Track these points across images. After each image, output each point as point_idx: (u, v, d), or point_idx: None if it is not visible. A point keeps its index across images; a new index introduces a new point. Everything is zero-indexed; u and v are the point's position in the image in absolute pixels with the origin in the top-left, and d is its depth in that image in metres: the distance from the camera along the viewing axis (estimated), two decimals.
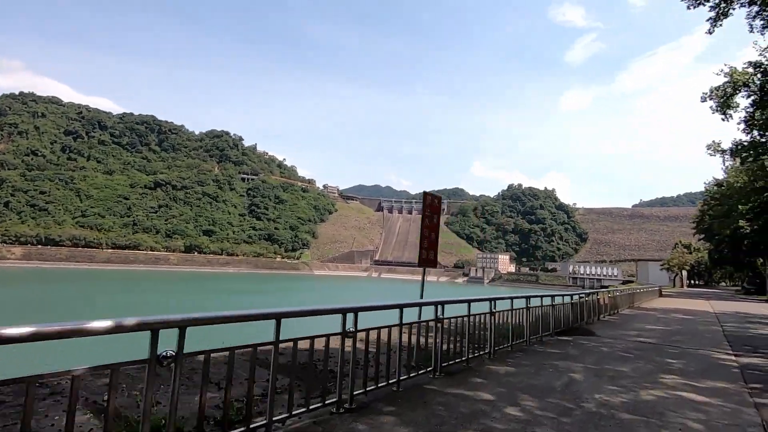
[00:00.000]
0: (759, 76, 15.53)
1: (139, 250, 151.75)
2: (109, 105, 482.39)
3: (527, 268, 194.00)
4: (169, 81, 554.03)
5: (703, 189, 46.74)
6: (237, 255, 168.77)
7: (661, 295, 35.63)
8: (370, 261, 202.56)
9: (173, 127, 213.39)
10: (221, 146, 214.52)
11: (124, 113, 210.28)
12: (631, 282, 64.52)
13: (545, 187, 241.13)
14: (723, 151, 19.74)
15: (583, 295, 14.14)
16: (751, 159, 18.68)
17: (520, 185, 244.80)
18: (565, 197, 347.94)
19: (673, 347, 9.73)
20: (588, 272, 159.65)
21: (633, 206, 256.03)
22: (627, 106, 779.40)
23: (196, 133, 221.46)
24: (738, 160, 20.88)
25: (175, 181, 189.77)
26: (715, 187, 38.33)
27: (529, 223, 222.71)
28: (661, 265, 55.61)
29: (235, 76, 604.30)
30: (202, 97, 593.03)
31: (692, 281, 78.52)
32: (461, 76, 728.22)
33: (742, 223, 30.68)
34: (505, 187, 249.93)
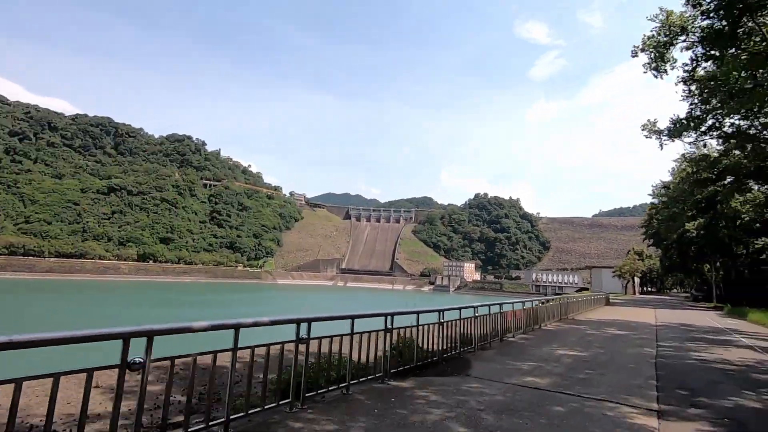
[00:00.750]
0: (701, 18, 12.60)
1: (87, 258, 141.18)
2: (65, 107, 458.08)
3: (492, 276, 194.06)
4: (132, 84, 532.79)
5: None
6: (195, 264, 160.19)
7: (607, 303, 33.32)
8: (336, 269, 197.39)
9: (131, 130, 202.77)
10: (182, 151, 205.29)
11: (77, 114, 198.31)
12: (587, 289, 62.99)
13: (510, 197, 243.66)
14: (660, 132, 17.15)
15: (494, 308, 10.77)
16: (692, 137, 16.16)
17: (486, 194, 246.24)
18: (529, 206, 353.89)
19: (569, 397, 6.32)
20: (550, 280, 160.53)
21: (593, 216, 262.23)
22: (588, 120, 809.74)
23: (156, 136, 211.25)
24: (684, 161, 18.64)
25: (130, 186, 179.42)
26: (663, 190, 36.79)
27: (494, 232, 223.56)
28: (613, 273, 54.09)
29: (201, 80, 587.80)
30: (165, 101, 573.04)
31: (645, 288, 78.15)
32: (431, 86, 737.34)
33: (688, 226, 28.86)
34: (472, 196, 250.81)
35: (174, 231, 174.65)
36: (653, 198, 40.02)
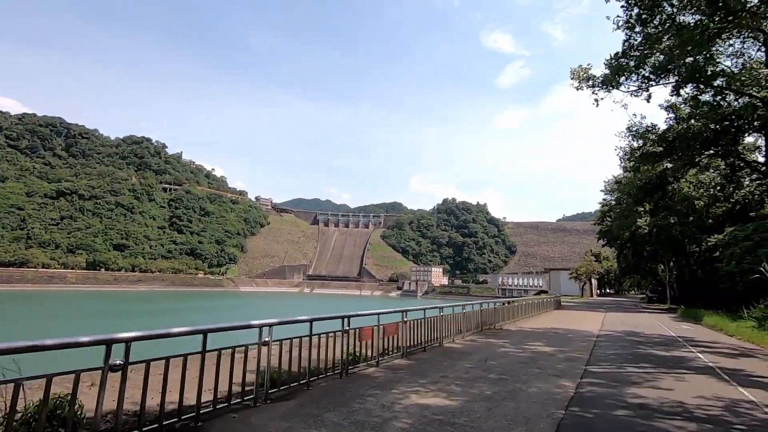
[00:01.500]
0: None
1: (29, 267, 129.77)
2: (14, 106, 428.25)
3: (460, 281, 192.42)
4: (89, 84, 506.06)
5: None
6: (152, 271, 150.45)
7: (558, 307, 30.17)
8: (302, 276, 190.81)
9: (84, 131, 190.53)
10: (141, 153, 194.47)
11: (24, 113, 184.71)
12: (546, 292, 60.54)
13: (477, 202, 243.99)
14: (593, 81, 13.82)
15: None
16: (634, 83, 12.97)
17: (454, 199, 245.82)
18: (496, 211, 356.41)
19: None
20: (515, 283, 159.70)
21: (557, 220, 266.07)
22: (551, 128, 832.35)
23: (112, 138, 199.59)
24: (629, 135, 15.50)
25: (82, 190, 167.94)
26: (615, 185, 34.33)
27: (462, 237, 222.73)
28: (570, 275, 51.84)
29: (166, 82, 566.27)
30: (128, 103, 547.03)
31: (603, 290, 76.89)
32: (400, 93, 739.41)
33: (640, 222, 26.18)
34: (441, 202, 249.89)
35: (129, 237, 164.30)
36: (605, 194, 37.72)
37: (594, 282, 60.34)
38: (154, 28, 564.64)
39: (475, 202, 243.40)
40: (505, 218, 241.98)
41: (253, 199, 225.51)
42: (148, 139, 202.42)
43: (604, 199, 38.16)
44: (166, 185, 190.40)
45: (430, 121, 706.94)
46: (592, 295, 56.01)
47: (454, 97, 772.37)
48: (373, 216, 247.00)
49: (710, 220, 25.22)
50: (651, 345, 12.85)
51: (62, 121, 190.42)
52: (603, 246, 35.86)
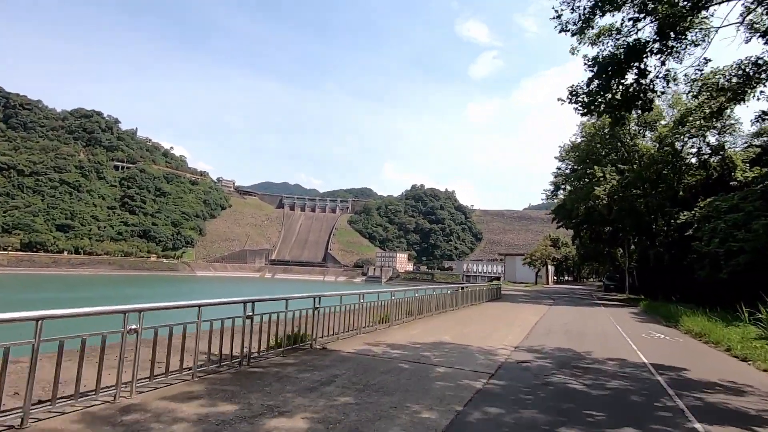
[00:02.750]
0: None
1: None
2: None
3: (425, 267, 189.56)
4: (37, 52, 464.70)
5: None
6: (98, 254, 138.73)
7: (496, 297, 24.73)
8: (265, 260, 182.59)
9: (25, 102, 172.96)
10: (90, 128, 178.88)
11: None
12: (498, 279, 56.33)
13: (446, 189, 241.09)
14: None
15: None
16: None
17: (422, 186, 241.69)
18: (465, 199, 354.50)
19: None
20: (480, 270, 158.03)
21: (523, 209, 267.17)
22: (521, 120, 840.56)
23: (59, 110, 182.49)
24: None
25: (21, 166, 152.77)
26: (571, 153, 29.26)
27: (429, 223, 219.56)
28: (523, 260, 47.46)
29: (128, 57, 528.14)
30: (83, 77, 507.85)
31: (560, 277, 73.98)
32: (373, 79, 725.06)
33: (597, 191, 21.39)
34: (409, 188, 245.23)
35: (75, 217, 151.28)
36: (560, 161, 31.81)
37: (551, 269, 56.54)
38: (120, 6, 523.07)
39: (443, 189, 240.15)
40: (472, 206, 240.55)
41: (216, 181, 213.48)
42: (99, 113, 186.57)
43: (557, 168, 32.05)
44: (118, 163, 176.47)
45: (404, 109, 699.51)
46: (548, 283, 52.15)
47: (428, 85, 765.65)
48: (341, 201, 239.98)
49: (681, 193, 20.85)
50: (600, 388, 6.98)
51: (0, 90, 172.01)
52: (558, 226, 30.72)
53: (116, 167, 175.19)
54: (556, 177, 28.39)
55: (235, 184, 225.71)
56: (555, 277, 65.68)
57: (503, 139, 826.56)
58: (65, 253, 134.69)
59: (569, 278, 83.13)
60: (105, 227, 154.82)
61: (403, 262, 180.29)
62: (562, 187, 28.43)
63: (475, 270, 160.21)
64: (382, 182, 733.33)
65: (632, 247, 32.18)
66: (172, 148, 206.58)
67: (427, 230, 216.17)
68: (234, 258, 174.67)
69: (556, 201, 28.97)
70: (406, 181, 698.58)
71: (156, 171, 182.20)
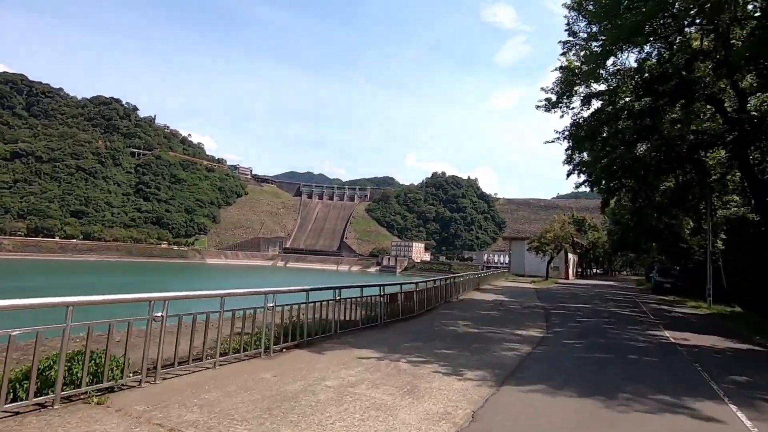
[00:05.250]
0: None
1: None
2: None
3: (444, 257, 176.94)
4: (75, 48, 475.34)
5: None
6: (106, 240, 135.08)
7: (479, 287, 13.09)
8: (279, 249, 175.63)
9: (47, 89, 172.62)
10: (108, 115, 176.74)
11: None
12: (508, 269, 43.68)
13: (468, 177, 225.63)
14: None
15: None
16: None
17: (443, 173, 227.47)
18: (491, 188, 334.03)
19: None
20: (500, 261, 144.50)
21: (551, 198, 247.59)
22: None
23: (79, 98, 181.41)
24: None
25: (40, 152, 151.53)
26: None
27: (450, 212, 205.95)
28: (528, 244, 34.56)
29: (158, 49, 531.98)
30: (115, 69, 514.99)
31: (585, 270, 59.89)
32: (398, 68, 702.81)
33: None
34: (430, 175, 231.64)
35: (89, 204, 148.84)
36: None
37: (572, 258, 43.28)
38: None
39: (465, 177, 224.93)
40: (495, 194, 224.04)
41: (233, 168, 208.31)
42: (118, 100, 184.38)
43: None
44: (135, 150, 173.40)
45: (428, 97, 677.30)
46: (567, 276, 38.97)
47: (453, 73, 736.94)
48: (359, 189, 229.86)
49: None
50: None
51: (24, 78, 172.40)
52: (578, 184, 18.75)
53: (132, 154, 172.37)
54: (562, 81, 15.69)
55: (254, 172, 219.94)
56: (579, 269, 52.11)
57: (530, 126, 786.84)
58: (79, 238, 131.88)
59: (598, 270, 68.83)
60: (119, 213, 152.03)
61: (419, 251, 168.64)
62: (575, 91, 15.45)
63: (495, 261, 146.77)
64: (405, 171, 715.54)
65: (714, 212, 18.74)
66: (190, 135, 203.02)
67: (448, 219, 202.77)
68: (247, 246, 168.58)
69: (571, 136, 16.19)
70: (429, 171, 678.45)
71: (172, 158, 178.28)
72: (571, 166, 17.95)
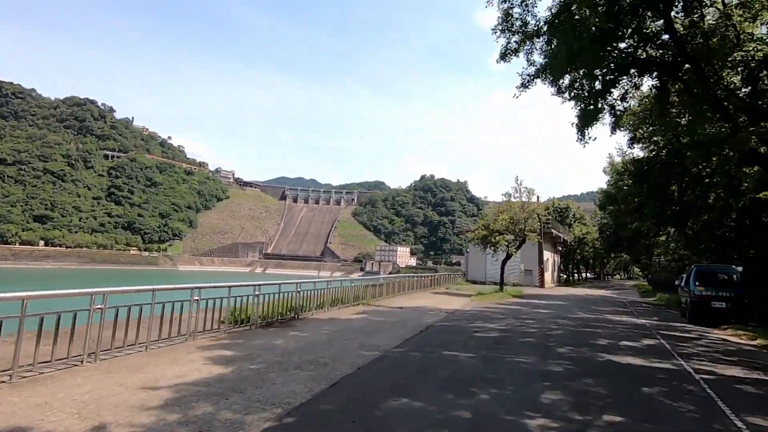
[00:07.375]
0: None
1: None
2: None
3: (431, 262, 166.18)
4: (74, 57, 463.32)
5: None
6: (67, 246, 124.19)
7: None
8: (258, 254, 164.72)
9: (18, 90, 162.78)
10: (82, 116, 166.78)
11: None
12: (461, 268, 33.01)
13: (458, 179, 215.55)
14: None
15: None
16: None
17: (432, 176, 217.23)
18: (484, 192, 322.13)
19: None
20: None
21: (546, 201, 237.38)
22: (544, 110, 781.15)
23: (52, 99, 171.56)
24: None
25: (4, 154, 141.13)
26: None
27: (439, 215, 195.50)
28: (472, 238, 23.94)
29: (148, 55, 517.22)
30: (105, 75, 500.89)
31: (573, 273, 48.85)
32: (391, 73, 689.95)
33: None
34: (418, 178, 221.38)
35: (55, 208, 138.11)
36: None
37: (550, 258, 32.15)
38: (140, 5, 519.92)
39: (455, 180, 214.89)
40: (486, 197, 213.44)
41: (214, 171, 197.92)
42: (93, 101, 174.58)
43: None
44: (109, 152, 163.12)
45: (422, 102, 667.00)
46: (543, 283, 27.57)
47: (447, 78, 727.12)
48: (346, 192, 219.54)
49: None
50: None
51: None
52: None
53: (106, 156, 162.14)
54: None
55: (238, 177, 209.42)
56: (563, 274, 41.22)
57: (525, 131, 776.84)
58: (39, 244, 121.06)
59: (590, 274, 58.00)
60: (87, 218, 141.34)
61: (404, 256, 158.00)
62: None
63: None
64: (398, 176, 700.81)
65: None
66: (169, 137, 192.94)
67: (436, 222, 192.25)
68: (224, 251, 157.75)
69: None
70: (426, 175, 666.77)
71: (148, 160, 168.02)
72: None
